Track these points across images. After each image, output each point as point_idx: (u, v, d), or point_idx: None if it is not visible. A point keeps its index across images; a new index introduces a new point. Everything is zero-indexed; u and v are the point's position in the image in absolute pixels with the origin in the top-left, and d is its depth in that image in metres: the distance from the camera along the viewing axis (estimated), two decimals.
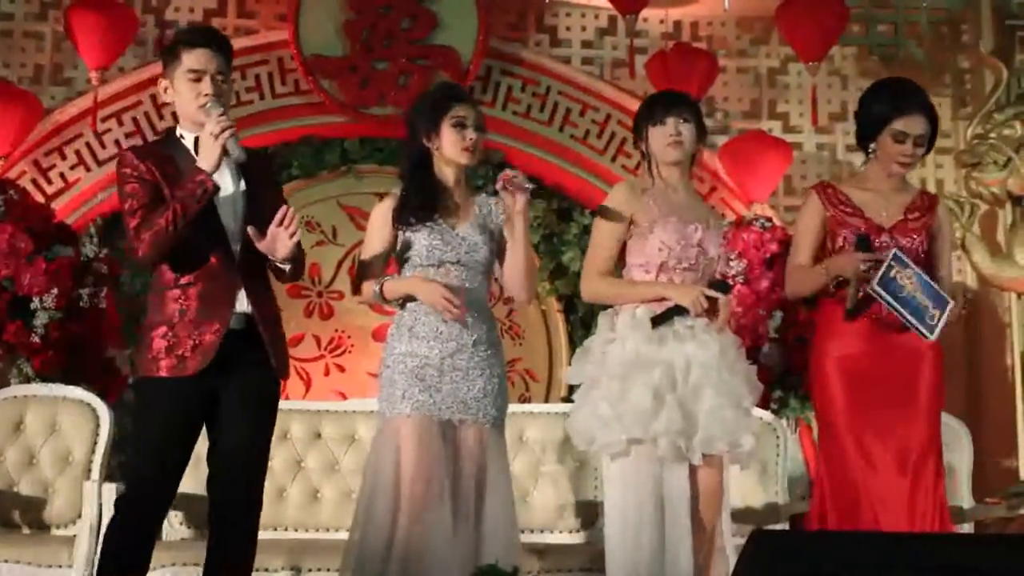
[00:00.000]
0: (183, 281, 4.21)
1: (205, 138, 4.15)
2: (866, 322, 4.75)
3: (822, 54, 7.62)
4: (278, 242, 4.17)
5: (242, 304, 4.24)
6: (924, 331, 4.65)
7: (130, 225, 4.19)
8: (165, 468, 4.18)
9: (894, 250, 4.63)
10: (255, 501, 4.30)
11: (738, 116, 8.13)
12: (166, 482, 4.20)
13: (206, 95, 4.24)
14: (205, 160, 4.14)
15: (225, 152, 4.14)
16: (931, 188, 8.05)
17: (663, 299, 4.59)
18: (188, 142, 4.32)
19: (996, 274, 7.48)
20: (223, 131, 4.12)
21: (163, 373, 4.17)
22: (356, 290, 4.80)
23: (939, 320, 4.65)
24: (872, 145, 4.89)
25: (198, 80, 4.28)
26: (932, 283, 4.68)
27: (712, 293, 4.53)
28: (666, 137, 4.71)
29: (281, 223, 4.16)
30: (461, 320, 4.51)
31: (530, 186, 4.55)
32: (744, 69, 8.23)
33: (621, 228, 4.71)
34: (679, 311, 4.54)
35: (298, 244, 4.26)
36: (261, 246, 4.17)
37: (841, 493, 4.73)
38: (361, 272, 4.75)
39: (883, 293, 4.57)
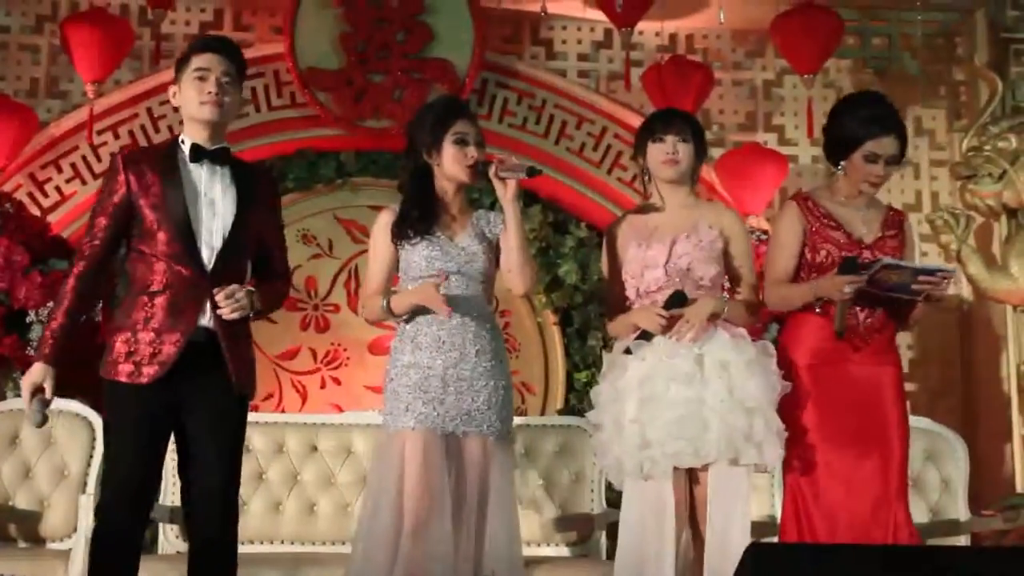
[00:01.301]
0: (152, 288, 4.22)
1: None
2: (832, 334, 4.74)
3: (817, 67, 7.63)
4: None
5: (206, 318, 4.22)
6: (914, 297, 4.70)
7: (77, 262, 4.30)
8: (134, 473, 4.16)
9: (882, 259, 4.64)
10: (231, 541, 4.28)
11: (734, 129, 8.14)
12: (139, 487, 4.19)
13: (207, 92, 4.27)
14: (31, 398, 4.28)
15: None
16: (926, 200, 8.09)
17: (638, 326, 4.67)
18: (185, 148, 4.33)
19: (991, 286, 7.47)
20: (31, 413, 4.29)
21: (121, 378, 4.18)
22: (363, 308, 4.81)
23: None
24: (842, 163, 4.91)
25: (203, 79, 4.30)
26: (927, 266, 4.76)
27: (662, 312, 4.55)
28: (663, 155, 4.74)
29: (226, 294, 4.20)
30: (447, 314, 4.47)
31: (525, 166, 4.56)
32: (740, 82, 8.25)
33: (616, 265, 4.83)
34: (645, 335, 4.60)
35: (272, 296, 4.43)
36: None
37: (807, 503, 4.72)
38: (366, 290, 4.77)
39: (871, 289, 4.64)
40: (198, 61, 4.33)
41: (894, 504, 4.70)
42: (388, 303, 4.61)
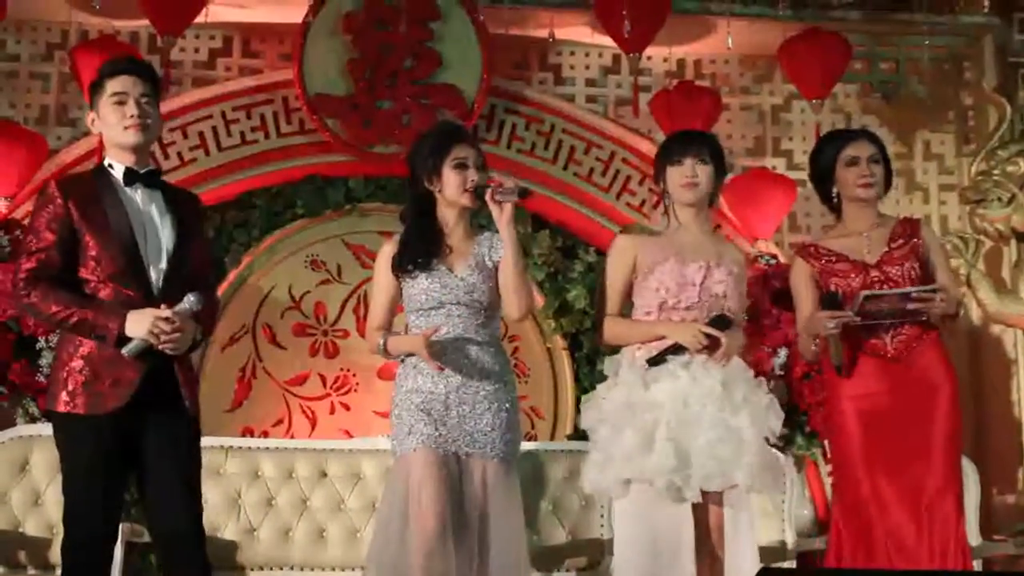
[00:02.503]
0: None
1: (144, 321, 4.10)
2: (879, 361, 4.77)
3: (825, 92, 7.64)
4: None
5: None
6: (916, 316, 4.71)
7: (22, 264, 4.19)
8: (96, 510, 4.13)
9: (862, 293, 4.70)
10: (204, 566, 4.26)
11: (742, 153, 8.14)
12: (102, 524, 4.15)
13: (129, 116, 4.25)
14: (132, 328, 4.10)
15: (147, 348, 4.12)
16: (935, 224, 8.07)
17: (663, 338, 4.63)
18: (117, 172, 4.31)
19: (1001, 310, 7.47)
20: (158, 341, 4.11)
21: (80, 410, 4.12)
22: (368, 341, 4.87)
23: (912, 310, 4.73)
24: (834, 189, 4.99)
25: (122, 103, 4.28)
26: (909, 289, 4.76)
27: (709, 330, 4.55)
28: (682, 178, 4.75)
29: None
30: (435, 368, 4.50)
31: (517, 188, 4.56)
32: (748, 107, 8.25)
33: (624, 271, 4.79)
34: (677, 349, 4.59)
35: (212, 317, 4.45)
36: None
37: (856, 535, 4.73)
38: (370, 323, 4.80)
39: (866, 322, 4.69)
40: (113, 85, 4.30)
41: (951, 529, 4.70)
42: (384, 344, 4.64)
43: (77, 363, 4.16)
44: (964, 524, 4.79)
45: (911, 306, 4.68)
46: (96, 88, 4.35)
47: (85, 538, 4.14)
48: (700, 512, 4.55)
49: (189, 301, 4.14)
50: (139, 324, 4.10)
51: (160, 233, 4.27)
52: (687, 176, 4.74)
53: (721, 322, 4.60)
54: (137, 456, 4.20)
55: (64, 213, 4.20)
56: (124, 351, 4.09)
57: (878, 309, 4.69)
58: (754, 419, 4.57)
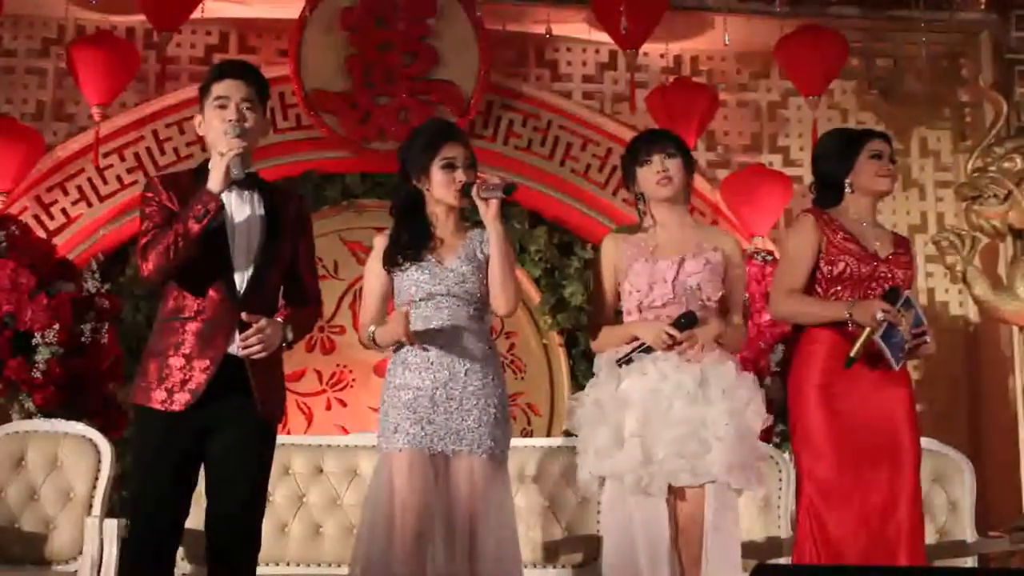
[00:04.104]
0: (183, 315, 4.21)
1: (215, 159, 4.19)
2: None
3: (822, 88, 7.65)
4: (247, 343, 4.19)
5: (235, 346, 4.21)
6: (893, 365, 4.70)
7: (140, 244, 4.22)
8: (163, 502, 4.17)
9: (907, 293, 4.70)
10: (247, 568, 4.28)
11: (738, 150, 8.16)
12: (168, 516, 4.18)
13: (228, 120, 4.25)
14: (213, 180, 4.15)
15: (230, 172, 4.14)
16: (931, 221, 8.09)
17: (637, 339, 4.65)
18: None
19: (997, 307, 7.47)
20: (229, 150, 4.14)
21: (154, 405, 4.17)
22: (360, 335, 4.83)
23: (904, 352, 4.72)
24: (847, 180, 4.94)
25: (223, 107, 4.30)
26: (922, 318, 4.75)
27: (671, 331, 4.55)
28: (654, 175, 4.75)
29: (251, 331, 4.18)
30: (409, 341, 4.48)
31: (503, 184, 4.54)
32: (744, 103, 8.26)
33: (607, 275, 4.82)
34: (648, 348, 4.58)
35: (304, 324, 4.44)
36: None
37: (828, 520, 4.72)
38: (363, 318, 4.79)
39: (883, 346, 4.65)
40: (218, 89, 4.33)
41: (905, 528, 4.70)
42: (373, 335, 4.64)
43: (156, 361, 4.22)
44: (921, 519, 4.77)
45: (913, 340, 4.69)
46: (204, 91, 4.39)
47: (145, 533, 4.18)
48: (674, 508, 4.55)
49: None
50: (216, 171, 4.17)
51: (250, 237, 4.28)
52: (659, 172, 4.73)
53: (686, 320, 4.58)
54: (206, 454, 4.24)
55: (167, 199, 4.25)
56: (234, 175, 4.16)
57: (897, 323, 4.65)
58: (732, 413, 4.54)
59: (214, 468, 4.24)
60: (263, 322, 4.18)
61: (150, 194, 4.29)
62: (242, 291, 4.24)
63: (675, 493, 4.54)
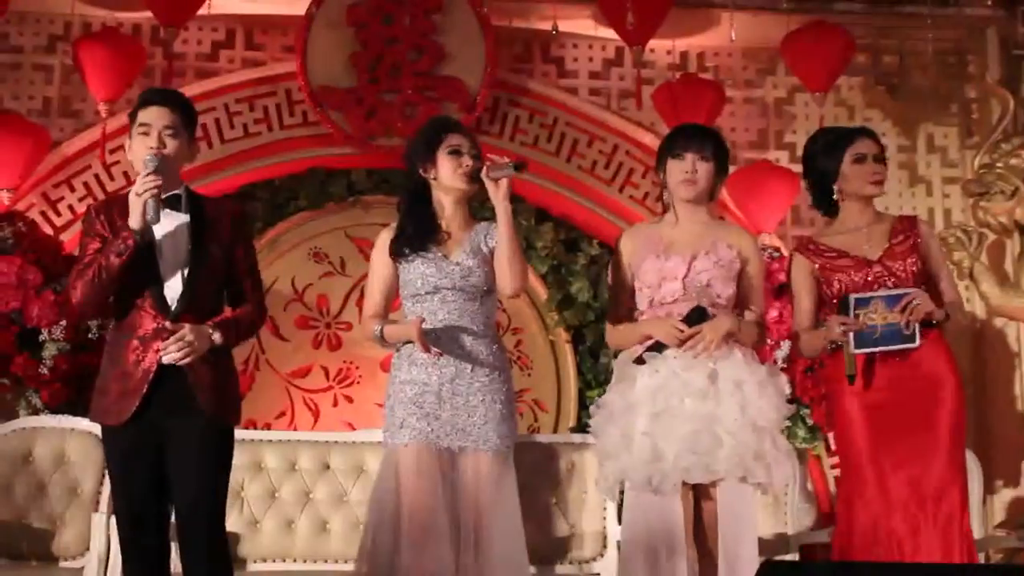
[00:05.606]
0: (123, 332, 4.33)
1: (132, 197, 4.25)
2: (881, 358, 4.76)
3: (828, 84, 7.63)
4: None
5: (169, 356, 4.27)
6: (908, 345, 4.72)
7: (71, 275, 4.37)
8: (139, 516, 4.29)
9: (851, 296, 4.75)
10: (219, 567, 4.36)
11: (745, 146, 8.13)
12: (147, 530, 4.30)
13: (148, 148, 4.34)
14: (132, 218, 4.23)
15: (145, 212, 4.21)
16: (938, 218, 8.06)
17: (650, 337, 4.65)
18: None
19: (1004, 303, 7.47)
20: (144, 191, 4.20)
21: (108, 421, 4.31)
22: (362, 328, 4.86)
23: (909, 331, 4.72)
24: (835, 186, 4.99)
25: (146, 134, 4.39)
26: (893, 292, 4.77)
27: (681, 326, 4.54)
28: (681, 173, 4.73)
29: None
30: (431, 356, 4.51)
31: (511, 163, 4.54)
32: (751, 99, 8.25)
33: (622, 272, 4.81)
34: (661, 345, 4.58)
35: (241, 327, 4.48)
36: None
37: (862, 530, 4.72)
38: (366, 310, 4.79)
39: (863, 351, 4.73)
40: (142, 116, 4.44)
41: (956, 522, 4.71)
42: (381, 332, 4.65)
43: (101, 377, 4.36)
44: (968, 518, 4.79)
45: (906, 322, 4.69)
46: (132, 118, 4.50)
47: (130, 541, 4.32)
48: (689, 504, 4.54)
49: None
50: (134, 211, 4.23)
51: (178, 254, 4.35)
52: (686, 172, 4.72)
53: (697, 314, 4.57)
54: (166, 462, 4.31)
55: (100, 226, 4.38)
56: (148, 219, 4.22)
57: (873, 322, 4.68)
58: (746, 407, 4.52)
59: (172, 476, 4.31)
60: (184, 329, 4.26)
61: (86, 223, 4.44)
62: (175, 302, 4.33)
63: (691, 489, 4.54)
